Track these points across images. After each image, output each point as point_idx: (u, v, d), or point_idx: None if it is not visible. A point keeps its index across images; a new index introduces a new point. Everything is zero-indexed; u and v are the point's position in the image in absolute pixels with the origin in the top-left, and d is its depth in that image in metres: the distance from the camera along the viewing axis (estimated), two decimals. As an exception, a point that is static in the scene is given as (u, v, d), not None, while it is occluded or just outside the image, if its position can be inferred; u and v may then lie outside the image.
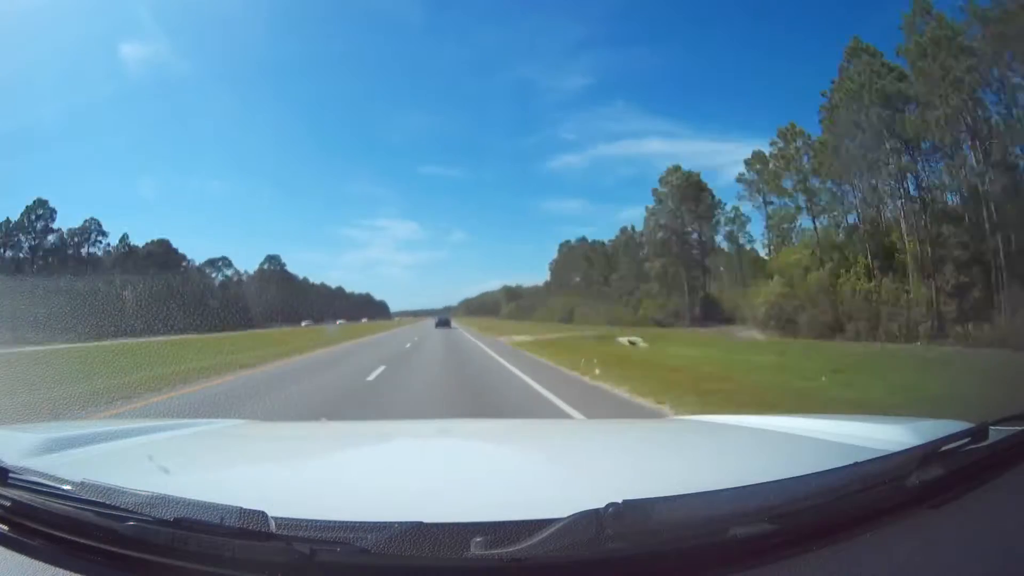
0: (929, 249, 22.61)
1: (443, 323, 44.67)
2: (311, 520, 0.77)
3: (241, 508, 0.76)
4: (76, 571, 0.83)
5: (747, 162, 35.65)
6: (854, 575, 0.82)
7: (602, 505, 0.74)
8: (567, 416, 6.82)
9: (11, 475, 0.91)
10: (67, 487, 0.86)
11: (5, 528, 0.91)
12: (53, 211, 54.86)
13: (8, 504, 0.90)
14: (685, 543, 0.80)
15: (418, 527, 0.74)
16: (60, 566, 0.84)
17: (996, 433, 1.08)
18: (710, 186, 41.38)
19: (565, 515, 0.74)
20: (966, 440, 1.02)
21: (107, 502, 0.82)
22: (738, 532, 0.80)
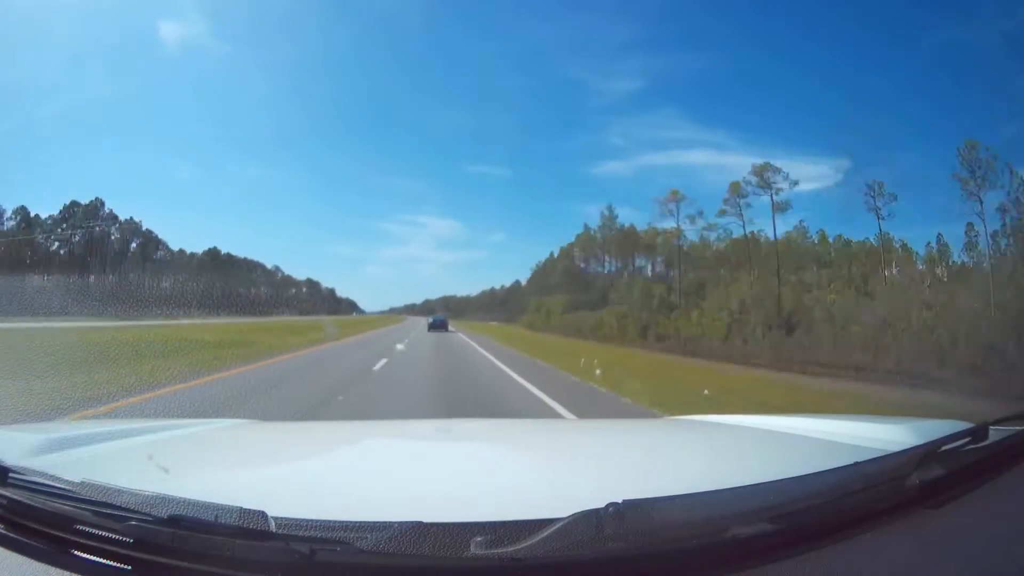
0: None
1: (438, 325, 36.30)
2: (311, 520, 0.77)
3: (241, 508, 0.76)
4: (76, 571, 0.83)
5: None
6: (854, 575, 0.82)
7: (602, 505, 0.74)
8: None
9: (11, 475, 0.91)
10: (67, 487, 0.86)
11: (5, 528, 0.91)
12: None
13: (8, 504, 0.90)
14: (685, 543, 0.80)
15: (418, 527, 0.74)
16: (60, 566, 0.84)
17: (996, 433, 1.08)
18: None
19: (565, 515, 0.74)
20: (966, 440, 1.02)
21: (107, 502, 0.82)
22: (738, 532, 0.80)
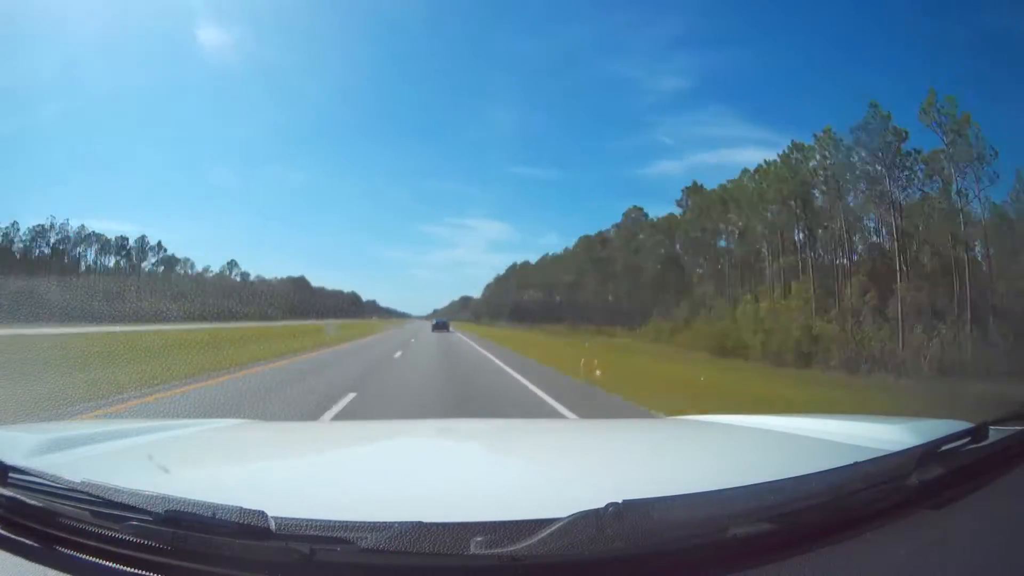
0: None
1: (440, 326, 41.29)
2: (311, 520, 0.77)
3: (241, 508, 0.76)
4: (76, 571, 0.83)
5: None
6: (854, 575, 0.82)
7: (602, 505, 0.74)
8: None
9: (11, 475, 0.91)
10: (67, 487, 0.86)
11: (4, 528, 0.91)
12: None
13: (8, 503, 0.90)
14: (685, 543, 0.80)
15: (418, 527, 0.74)
16: (60, 566, 0.84)
17: (996, 433, 1.08)
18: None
19: (565, 515, 0.74)
20: (966, 440, 1.02)
21: (107, 501, 0.82)
22: (738, 532, 0.80)
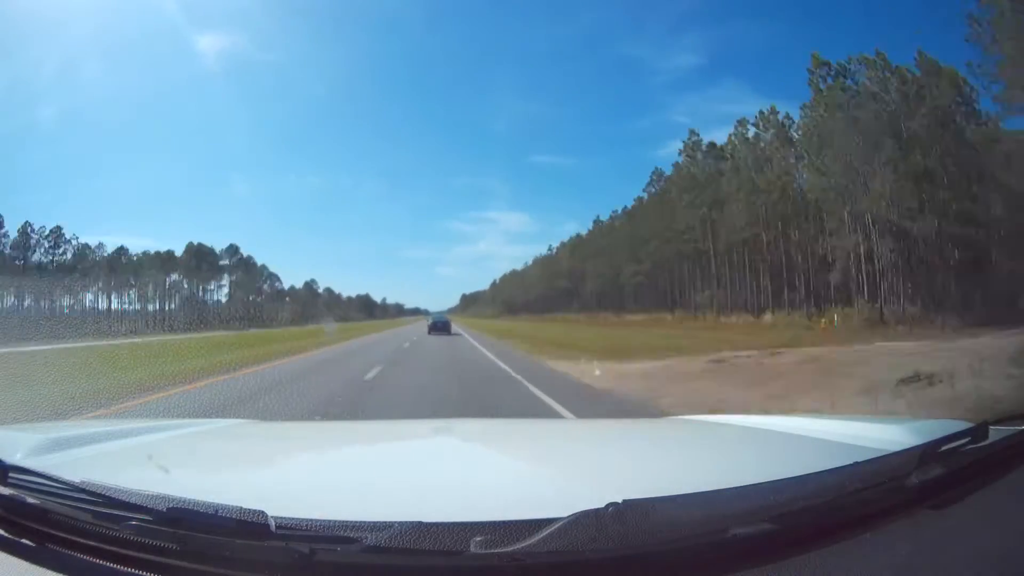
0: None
1: (439, 327, 32.59)
2: (311, 520, 0.77)
3: (241, 508, 0.76)
4: (76, 571, 0.83)
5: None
6: (854, 575, 0.82)
7: (602, 505, 0.74)
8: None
9: (11, 475, 0.91)
10: (67, 487, 0.86)
11: (4, 528, 0.91)
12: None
13: (8, 504, 0.90)
14: (685, 543, 0.80)
15: (418, 527, 0.74)
16: (60, 566, 0.84)
17: (996, 433, 1.08)
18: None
19: (565, 515, 0.74)
20: (966, 440, 1.02)
21: (107, 502, 0.82)
22: (738, 532, 0.80)
